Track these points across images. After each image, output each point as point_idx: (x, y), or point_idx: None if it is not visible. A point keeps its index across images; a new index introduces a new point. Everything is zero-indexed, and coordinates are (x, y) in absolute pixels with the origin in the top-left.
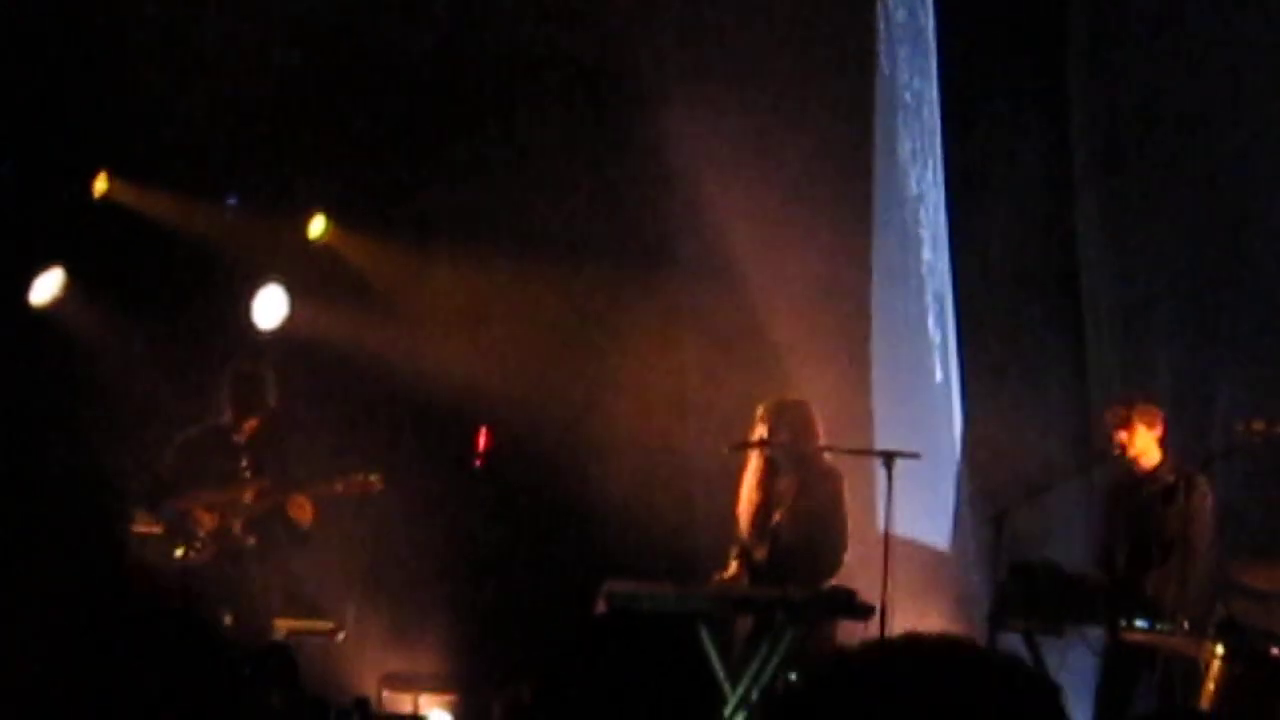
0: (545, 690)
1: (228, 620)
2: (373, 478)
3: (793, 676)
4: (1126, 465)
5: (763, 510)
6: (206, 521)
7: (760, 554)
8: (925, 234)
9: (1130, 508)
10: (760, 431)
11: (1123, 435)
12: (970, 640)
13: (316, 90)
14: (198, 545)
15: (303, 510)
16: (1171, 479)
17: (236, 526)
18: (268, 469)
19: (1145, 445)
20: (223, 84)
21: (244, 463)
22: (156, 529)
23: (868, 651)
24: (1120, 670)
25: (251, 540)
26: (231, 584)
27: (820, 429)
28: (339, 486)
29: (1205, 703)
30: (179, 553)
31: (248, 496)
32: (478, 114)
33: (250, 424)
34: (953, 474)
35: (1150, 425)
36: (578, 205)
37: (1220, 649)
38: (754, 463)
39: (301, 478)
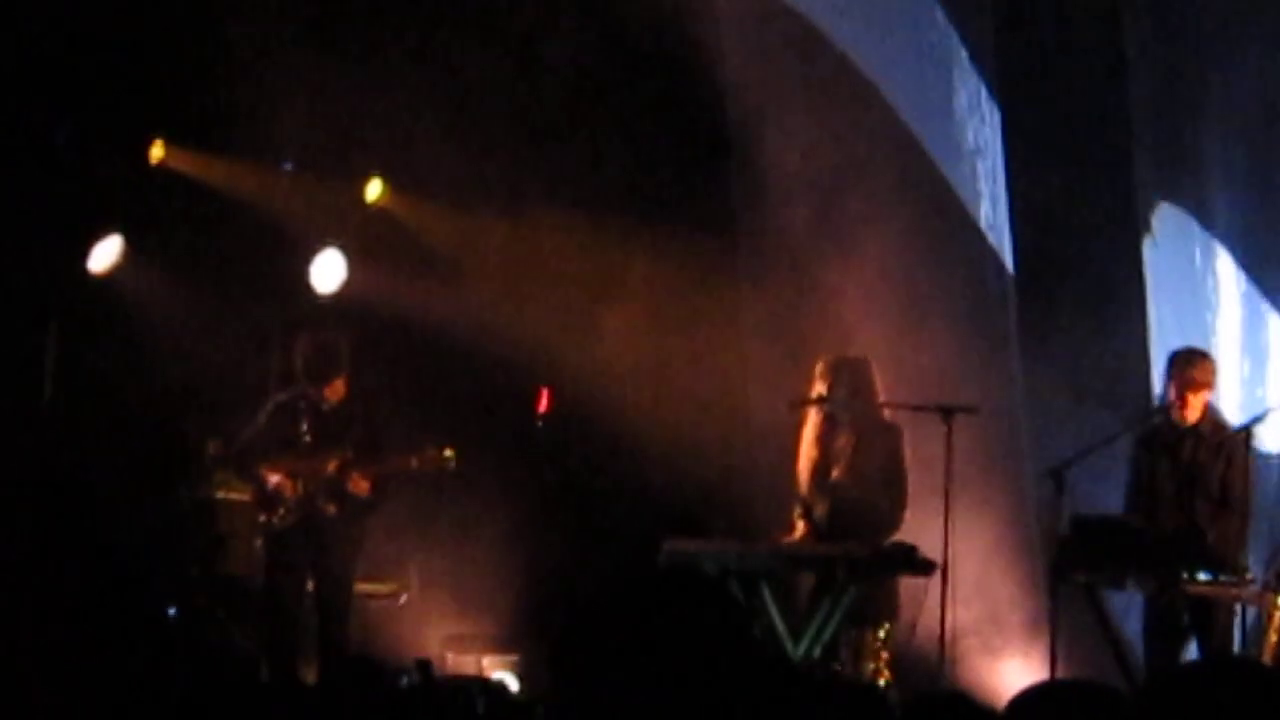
0: (586, 645)
1: (310, 586)
2: (447, 453)
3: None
4: (1168, 415)
5: (822, 467)
6: (289, 489)
7: (821, 511)
8: (984, 188)
9: (1174, 459)
10: (819, 388)
11: (1191, 400)
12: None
13: (371, 53)
14: (282, 512)
15: (359, 486)
16: (1219, 435)
17: (318, 496)
18: (352, 439)
19: (1198, 402)
20: (277, 48)
21: (327, 430)
22: (247, 495)
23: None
24: (1169, 622)
25: (332, 509)
26: (314, 551)
27: (879, 385)
28: (414, 462)
29: (1268, 654)
30: (264, 519)
31: (330, 466)
32: (536, 80)
33: (332, 391)
34: (1013, 428)
35: (1211, 387)
36: (636, 168)
37: None
38: (813, 419)
39: (386, 448)
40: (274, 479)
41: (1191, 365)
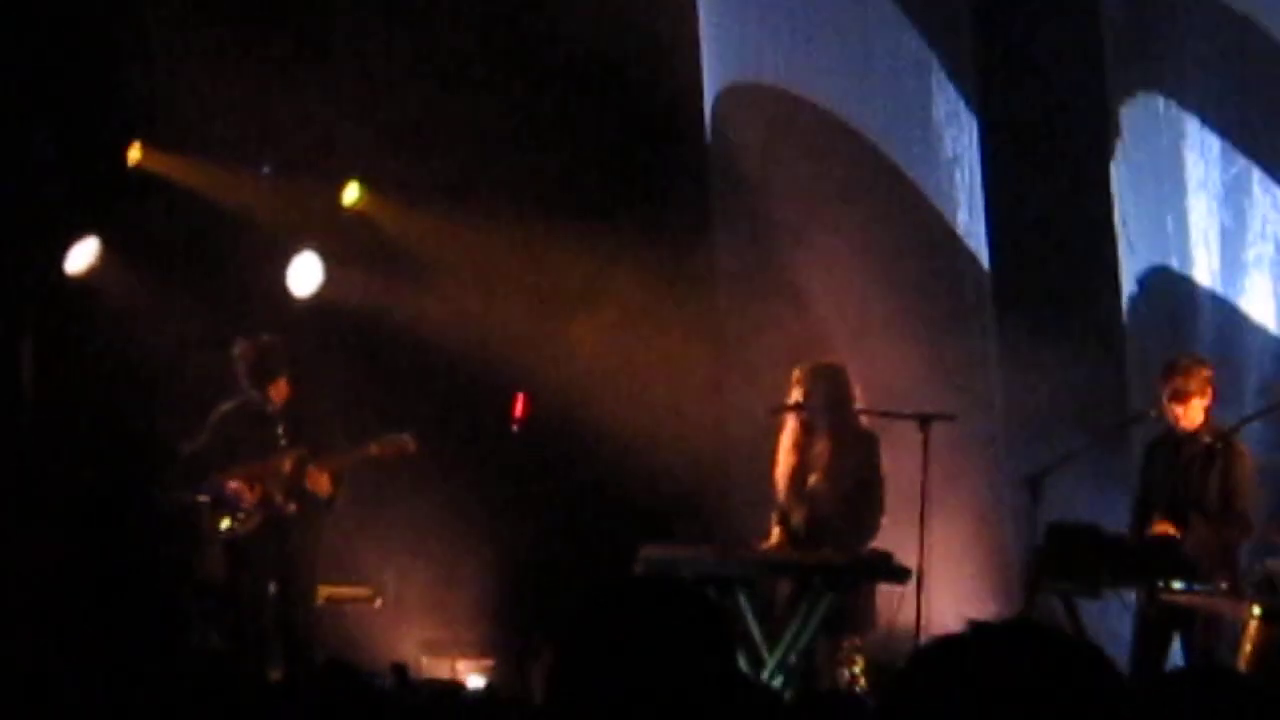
0: (571, 652)
1: (273, 589)
2: (406, 437)
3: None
4: (1167, 424)
5: (799, 474)
6: (248, 493)
7: (797, 518)
8: (961, 197)
9: (1169, 468)
10: (796, 395)
11: (1178, 410)
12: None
13: (350, 58)
14: (241, 516)
15: (318, 482)
16: (1210, 440)
17: (278, 496)
18: (304, 437)
19: (1196, 412)
20: (256, 52)
21: (279, 432)
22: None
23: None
24: (1154, 631)
25: (293, 508)
26: (276, 553)
27: (856, 392)
28: (374, 449)
29: (1244, 664)
30: (224, 524)
31: (286, 466)
32: (512, 86)
33: (276, 394)
34: (989, 436)
35: (1205, 394)
36: (612, 175)
37: (1258, 610)
38: (790, 426)
39: (339, 443)
40: (232, 485)
41: (1177, 373)
